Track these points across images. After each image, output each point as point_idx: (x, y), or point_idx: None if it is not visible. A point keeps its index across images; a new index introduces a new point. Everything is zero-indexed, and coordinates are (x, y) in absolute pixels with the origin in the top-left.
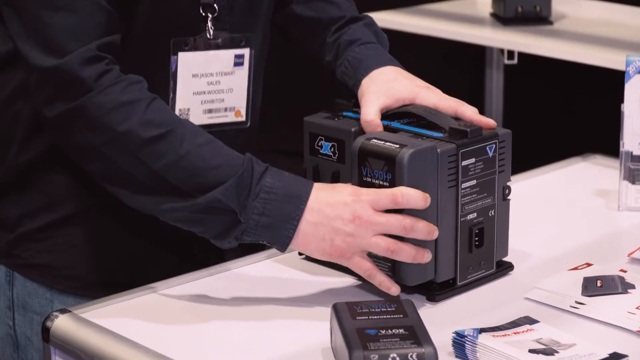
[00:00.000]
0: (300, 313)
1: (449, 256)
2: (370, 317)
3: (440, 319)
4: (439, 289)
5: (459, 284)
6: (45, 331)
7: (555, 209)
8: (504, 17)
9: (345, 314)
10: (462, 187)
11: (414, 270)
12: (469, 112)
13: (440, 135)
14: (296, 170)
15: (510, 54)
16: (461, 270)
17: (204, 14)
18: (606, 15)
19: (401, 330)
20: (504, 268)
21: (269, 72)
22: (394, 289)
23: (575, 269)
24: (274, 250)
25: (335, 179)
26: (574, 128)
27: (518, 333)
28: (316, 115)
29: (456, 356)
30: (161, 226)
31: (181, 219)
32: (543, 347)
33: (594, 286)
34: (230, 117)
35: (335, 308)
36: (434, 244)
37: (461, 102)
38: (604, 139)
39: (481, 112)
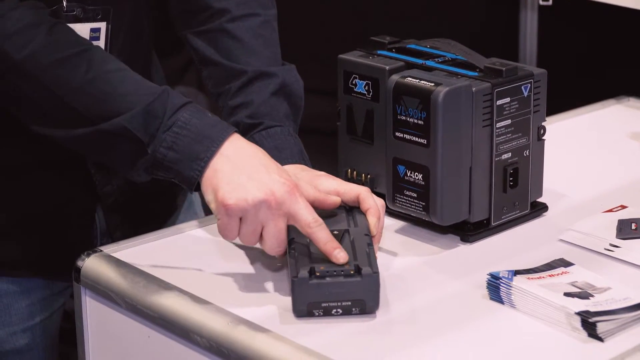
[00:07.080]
0: None
1: (483, 196)
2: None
3: (474, 260)
4: (472, 230)
5: (493, 224)
6: (76, 271)
7: (589, 151)
8: None
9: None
10: (497, 126)
11: (448, 209)
12: (370, 201)
13: (475, 74)
14: (329, 109)
15: None
16: (495, 211)
17: None
18: None
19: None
20: (538, 209)
21: (300, 12)
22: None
23: (610, 211)
24: None
25: (369, 117)
26: (608, 70)
27: (553, 276)
28: (351, 53)
29: (491, 298)
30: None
31: (88, 145)
32: (578, 290)
33: (629, 229)
34: None
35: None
36: (469, 183)
37: (365, 189)
38: (638, 82)
39: (515, 53)
